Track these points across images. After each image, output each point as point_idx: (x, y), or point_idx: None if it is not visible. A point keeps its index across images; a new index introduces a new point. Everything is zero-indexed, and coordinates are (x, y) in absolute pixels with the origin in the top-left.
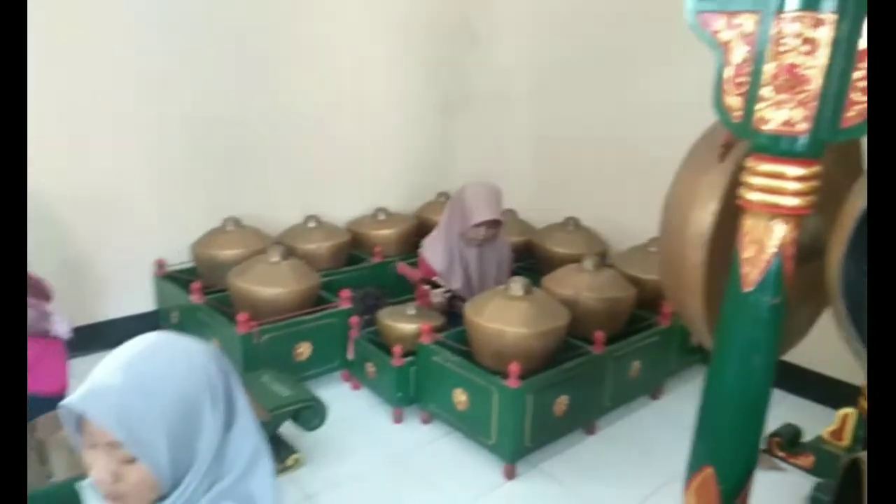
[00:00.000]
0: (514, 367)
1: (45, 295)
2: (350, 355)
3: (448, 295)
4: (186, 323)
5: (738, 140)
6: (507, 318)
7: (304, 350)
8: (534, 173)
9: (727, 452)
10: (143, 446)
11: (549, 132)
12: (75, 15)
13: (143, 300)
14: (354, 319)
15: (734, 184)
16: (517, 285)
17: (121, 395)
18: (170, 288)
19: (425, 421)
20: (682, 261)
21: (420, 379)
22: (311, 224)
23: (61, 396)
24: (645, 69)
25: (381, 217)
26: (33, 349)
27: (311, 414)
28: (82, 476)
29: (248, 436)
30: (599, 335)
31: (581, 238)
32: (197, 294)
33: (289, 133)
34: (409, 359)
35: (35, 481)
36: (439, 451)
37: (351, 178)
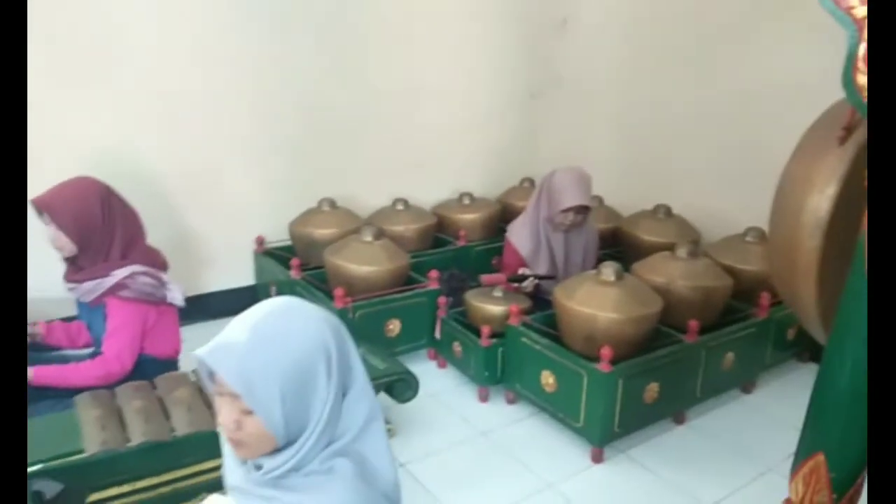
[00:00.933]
0: (605, 352)
1: (161, 265)
2: (437, 334)
3: (535, 282)
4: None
5: (860, 123)
6: (598, 302)
7: (394, 327)
8: (621, 159)
9: (841, 440)
10: (258, 401)
11: (639, 117)
12: (183, 6)
13: (243, 275)
14: (442, 300)
15: (855, 168)
16: (609, 270)
17: (243, 354)
18: (268, 264)
19: (510, 401)
20: (796, 246)
21: (507, 360)
22: (399, 207)
23: (175, 360)
24: (749, 50)
25: (466, 202)
26: (151, 314)
27: (404, 386)
28: (207, 429)
29: (363, 400)
30: (693, 324)
31: (672, 226)
32: (295, 270)
33: (379, 118)
34: (497, 340)
35: (161, 435)
36: (525, 430)
37: (437, 163)
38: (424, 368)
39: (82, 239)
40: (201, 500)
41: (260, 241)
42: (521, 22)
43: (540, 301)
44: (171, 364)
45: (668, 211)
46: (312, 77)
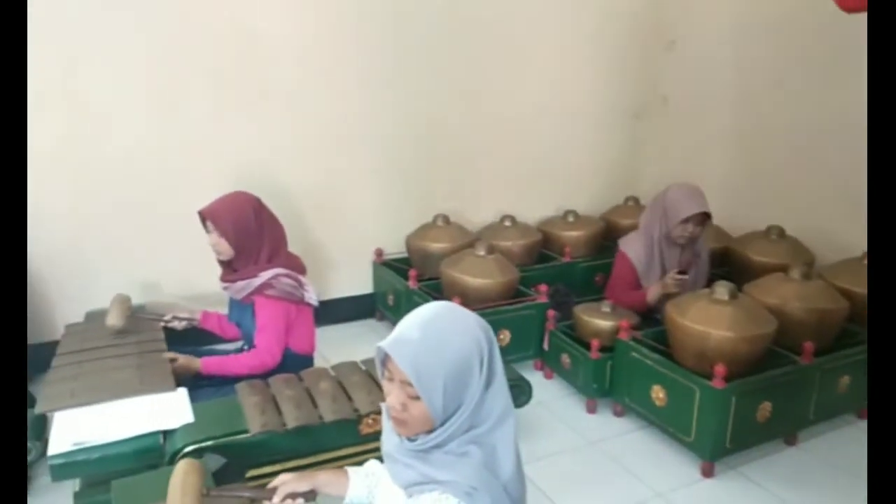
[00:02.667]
0: (719, 369)
1: (300, 269)
2: (545, 346)
3: (684, 278)
4: (401, 305)
5: None
6: (712, 320)
7: (504, 337)
8: (730, 180)
9: None
10: (425, 389)
11: (748, 138)
12: (317, 44)
13: (362, 283)
14: (551, 312)
15: None
16: (723, 289)
17: (416, 348)
18: (387, 274)
19: (618, 414)
20: None
21: (616, 373)
22: (507, 223)
23: (311, 356)
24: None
25: (571, 219)
26: (293, 311)
27: (517, 392)
28: (346, 419)
29: (500, 396)
30: (808, 346)
31: (785, 247)
32: (413, 280)
33: (489, 138)
34: (605, 353)
35: (311, 420)
36: (634, 442)
37: (542, 181)
38: (532, 379)
39: (238, 244)
40: None
41: (379, 253)
42: (628, 44)
43: (646, 318)
44: (308, 359)
45: (780, 232)
46: (428, 101)
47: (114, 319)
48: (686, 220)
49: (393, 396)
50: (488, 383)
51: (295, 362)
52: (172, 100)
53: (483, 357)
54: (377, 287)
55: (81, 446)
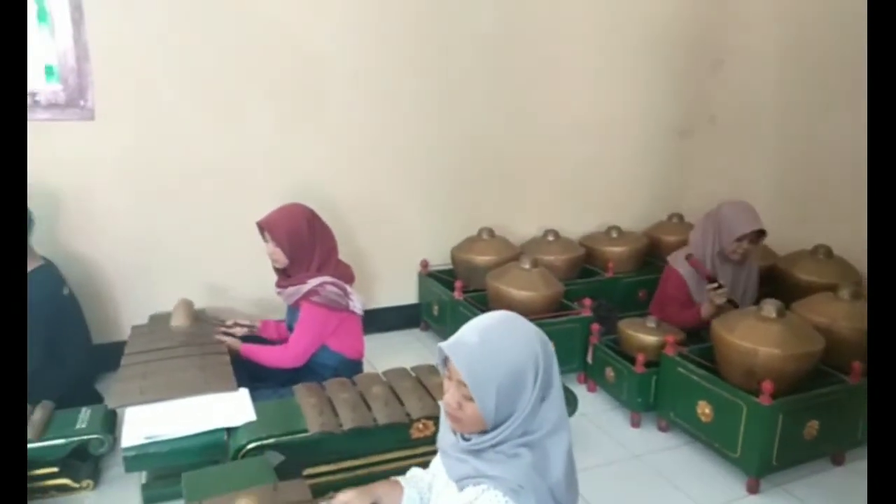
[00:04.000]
0: (766, 385)
1: (349, 278)
2: (589, 359)
3: (727, 297)
4: (446, 315)
5: None
6: (760, 338)
7: None
8: (776, 198)
9: None
10: (479, 391)
11: (796, 156)
12: (372, 62)
13: (407, 293)
14: (595, 326)
15: None
16: (770, 307)
17: (474, 352)
18: (432, 284)
19: (663, 428)
20: None
21: (661, 388)
22: (550, 238)
23: (360, 360)
24: None
25: (614, 234)
26: (333, 320)
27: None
28: (398, 423)
29: (555, 407)
30: (857, 366)
31: (832, 267)
32: (458, 291)
33: (532, 152)
34: (650, 368)
35: (366, 422)
36: (679, 456)
37: (586, 197)
38: (575, 391)
39: (292, 253)
40: None
41: (424, 264)
42: (675, 62)
43: (690, 334)
44: (358, 364)
45: (828, 252)
46: (474, 117)
47: (179, 320)
48: (741, 238)
49: (450, 394)
50: (543, 395)
51: (346, 367)
52: (233, 115)
53: (538, 369)
54: (422, 297)
55: (152, 440)
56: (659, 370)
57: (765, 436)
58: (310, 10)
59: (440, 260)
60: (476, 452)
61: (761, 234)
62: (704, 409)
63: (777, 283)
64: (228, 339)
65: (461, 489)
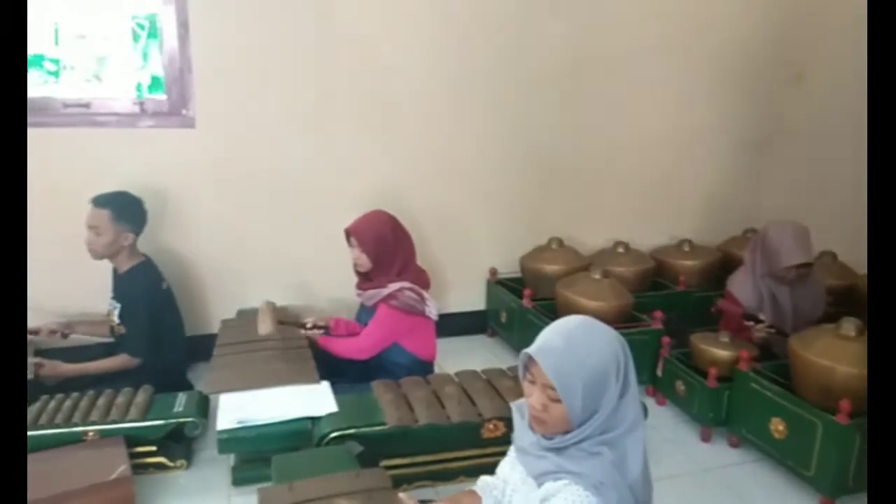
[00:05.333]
0: (844, 404)
1: (425, 284)
2: (659, 372)
3: (773, 331)
4: (514, 323)
5: None
6: (838, 356)
7: None
8: (855, 214)
9: None
10: (566, 392)
11: None
12: (445, 76)
13: (475, 300)
14: (666, 339)
15: None
16: (850, 325)
17: (560, 354)
18: (500, 292)
19: (734, 444)
20: None
21: (733, 403)
22: (620, 249)
23: (432, 362)
24: None
25: (686, 248)
26: (405, 323)
27: None
28: (470, 422)
29: (632, 406)
30: None
31: None
32: (527, 299)
33: (602, 163)
34: (722, 383)
35: (440, 419)
36: (750, 472)
37: (656, 209)
38: (644, 403)
39: (376, 258)
40: (461, 481)
41: (493, 272)
42: (752, 75)
43: (766, 352)
44: (430, 365)
45: None
46: (546, 128)
47: (265, 328)
48: (789, 267)
49: (534, 398)
50: (623, 392)
51: (418, 367)
52: (317, 126)
53: (619, 367)
54: (490, 304)
55: (244, 424)
56: (732, 385)
57: (841, 456)
58: (388, 26)
59: (508, 268)
60: (557, 450)
61: (810, 264)
62: (778, 426)
63: (856, 303)
64: (309, 333)
65: (540, 485)
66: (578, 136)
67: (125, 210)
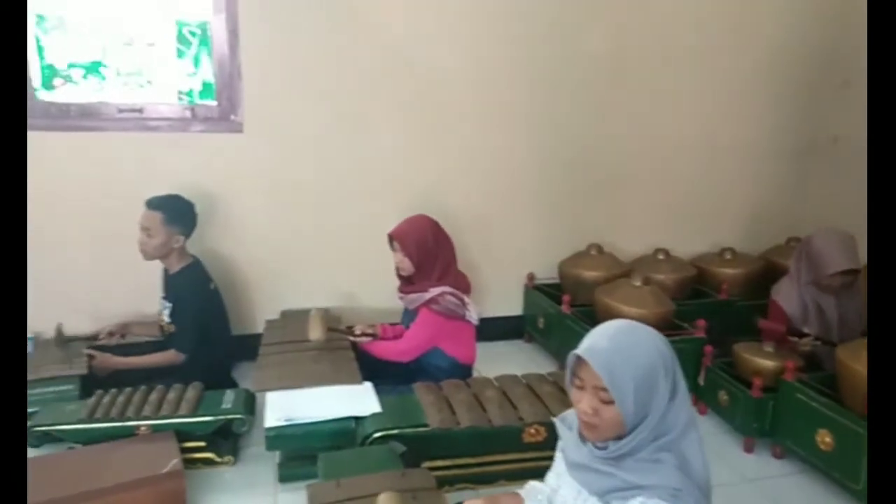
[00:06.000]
0: None
1: (465, 288)
2: (701, 381)
3: (818, 343)
4: (552, 328)
5: None
6: None
7: None
8: None
9: None
10: (619, 393)
11: None
12: (489, 87)
13: (513, 305)
14: (708, 348)
15: None
16: None
17: (609, 354)
18: (538, 297)
19: (778, 455)
20: None
21: (778, 414)
22: (660, 256)
23: (471, 365)
24: None
25: (728, 256)
26: (447, 327)
27: None
28: (511, 426)
29: (683, 408)
30: None
31: None
32: (566, 305)
33: (644, 169)
34: (766, 393)
35: (482, 422)
36: (795, 484)
37: (697, 216)
38: None
39: (419, 263)
40: (501, 485)
41: (531, 278)
42: (797, 81)
43: (810, 362)
44: (469, 368)
45: None
46: (585, 131)
47: (316, 334)
48: (833, 275)
49: (585, 402)
50: (673, 394)
51: (458, 370)
52: (361, 131)
53: (668, 366)
54: (527, 310)
55: (291, 422)
56: (777, 396)
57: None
58: (430, 33)
59: (546, 274)
60: (618, 463)
61: (857, 270)
62: (825, 438)
63: None
64: (353, 338)
65: (606, 503)
66: (619, 141)
67: (177, 213)
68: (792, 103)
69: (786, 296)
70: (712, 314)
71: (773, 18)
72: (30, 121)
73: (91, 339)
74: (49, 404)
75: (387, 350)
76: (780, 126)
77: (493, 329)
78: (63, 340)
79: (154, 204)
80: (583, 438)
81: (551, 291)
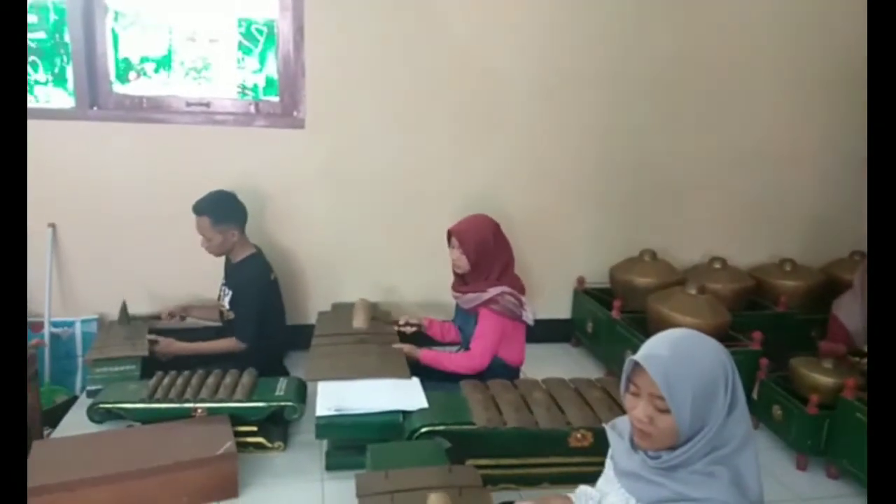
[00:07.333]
0: None
1: (521, 289)
2: (755, 395)
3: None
4: (600, 334)
5: None
6: None
7: None
8: None
9: None
10: (675, 401)
11: None
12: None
13: (561, 308)
14: (764, 361)
15: None
16: None
17: (668, 362)
18: (587, 302)
19: (832, 475)
20: None
21: (835, 432)
22: (717, 265)
23: (519, 367)
24: None
25: (787, 268)
26: (508, 327)
27: None
28: (560, 429)
29: (742, 421)
30: None
31: None
32: (617, 311)
33: (701, 175)
34: (823, 410)
35: (528, 424)
36: None
37: (756, 225)
38: None
39: (477, 261)
40: (545, 488)
41: (581, 281)
42: (860, 88)
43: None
44: (517, 370)
45: None
46: (640, 135)
47: (360, 322)
48: None
49: (640, 409)
50: (732, 407)
51: (505, 371)
52: (418, 130)
53: (728, 379)
54: (575, 314)
55: (341, 413)
56: (834, 413)
57: None
58: (489, 30)
59: (596, 278)
60: (670, 474)
61: None
62: None
63: None
64: (406, 348)
65: None
66: (676, 146)
67: (222, 212)
68: (859, 112)
69: (847, 311)
70: (769, 327)
71: (839, 24)
72: (105, 112)
73: (153, 319)
74: (112, 383)
75: (458, 364)
76: (845, 135)
77: (540, 331)
78: (127, 318)
79: (199, 209)
80: (634, 446)
81: (601, 296)
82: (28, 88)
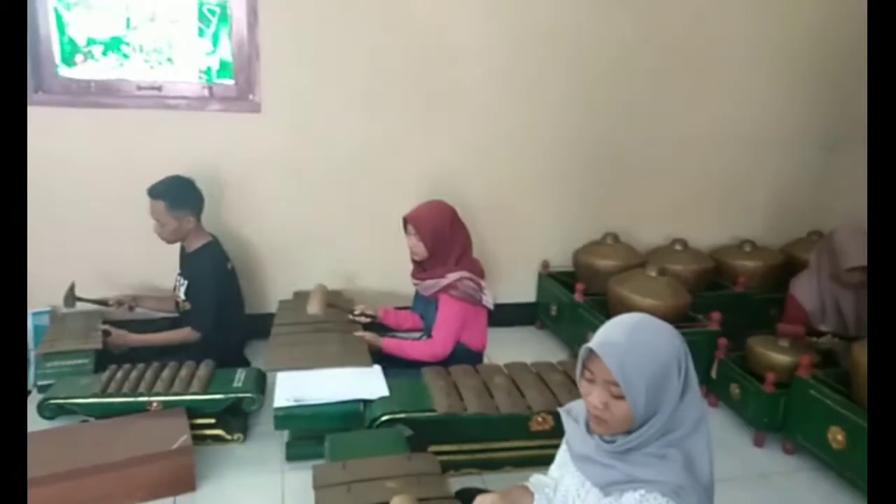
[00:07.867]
0: None
1: (480, 273)
2: (714, 374)
3: (835, 340)
4: (564, 316)
5: None
6: None
7: None
8: None
9: None
10: (630, 389)
11: None
12: (507, 70)
13: (527, 292)
14: (723, 341)
15: None
16: None
17: (623, 350)
18: (552, 285)
19: (788, 451)
20: None
21: (790, 409)
22: (678, 247)
23: (482, 352)
24: None
25: (747, 249)
26: (469, 313)
27: None
28: (519, 414)
29: (694, 405)
30: None
31: None
32: (579, 294)
33: (662, 158)
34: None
35: (489, 409)
36: (805, 481)
37: (717, 207)
38: None
39: (433, 248)
40: (507, 471)
41: (545, 265)
42: (825, 73)
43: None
44: (479, 355)
45: None
46: (604, 118)
47: (314, 308)
48: (853, 269)
49: (595, 396)
50: (684, 390)
51: (468, 357)
52: (376, 113)
53: (681, 364)
54: (540, 297)
55: (300, 403)
56: (789, 391)
57: None
58: (452, 14)
59: (560, 262)
60: (623, 456)
61: None
62: (837, 436)
63: None
64: (368, 336)
65: (607, 494)
66: (638, 130)
67: (179, 197)
68: (822, 96)
69: (804, 290)
70: (728, 307)
71: (805, 7)
72: (51, 97)
73: (100, 303)
74: (64, 378)
75: (420, 352)
76: (808, 118)
77: (505, 315)
78: (73, 301)
79: (154, 193)
80: (590, 431)
81: (565, 280)
82: None
